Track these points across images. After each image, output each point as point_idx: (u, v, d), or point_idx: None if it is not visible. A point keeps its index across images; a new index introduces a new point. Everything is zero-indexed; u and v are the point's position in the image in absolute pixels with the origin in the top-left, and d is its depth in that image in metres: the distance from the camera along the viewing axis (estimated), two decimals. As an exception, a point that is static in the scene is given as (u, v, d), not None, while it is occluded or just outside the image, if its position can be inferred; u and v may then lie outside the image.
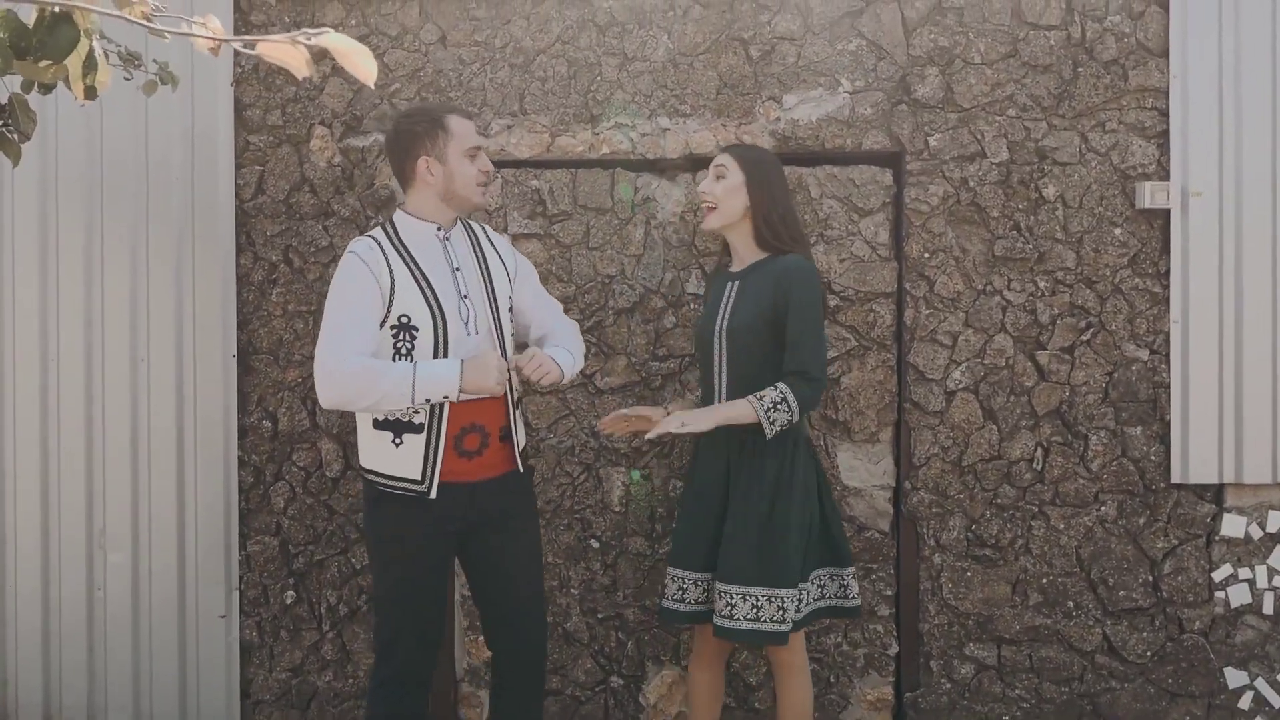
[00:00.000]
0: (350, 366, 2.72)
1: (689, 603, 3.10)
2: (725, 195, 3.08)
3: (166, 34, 2.36)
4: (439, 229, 2.91)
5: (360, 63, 1.43)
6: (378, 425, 2.86)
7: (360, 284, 2.79)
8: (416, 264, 2.85)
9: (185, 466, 3.67)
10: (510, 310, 3.00)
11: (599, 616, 3.66)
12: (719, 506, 3.08)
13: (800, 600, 3.03)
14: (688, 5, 3.59)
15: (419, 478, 2.83)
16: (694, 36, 3.59)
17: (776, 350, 3.04)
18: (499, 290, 2.96)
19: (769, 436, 2.96)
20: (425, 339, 2.80)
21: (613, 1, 3.61)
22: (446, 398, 2.73)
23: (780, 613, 2.98)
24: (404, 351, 2.80)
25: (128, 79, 3.13)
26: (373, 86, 1.59)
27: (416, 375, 2.71)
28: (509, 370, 2.83)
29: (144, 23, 2.32)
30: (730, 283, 3.13)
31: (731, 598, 2.98)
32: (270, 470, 3.70)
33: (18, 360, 3.65)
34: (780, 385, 2.97)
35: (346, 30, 3.64)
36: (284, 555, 3.71)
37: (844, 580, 3.17)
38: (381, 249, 2.84)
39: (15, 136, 2.50)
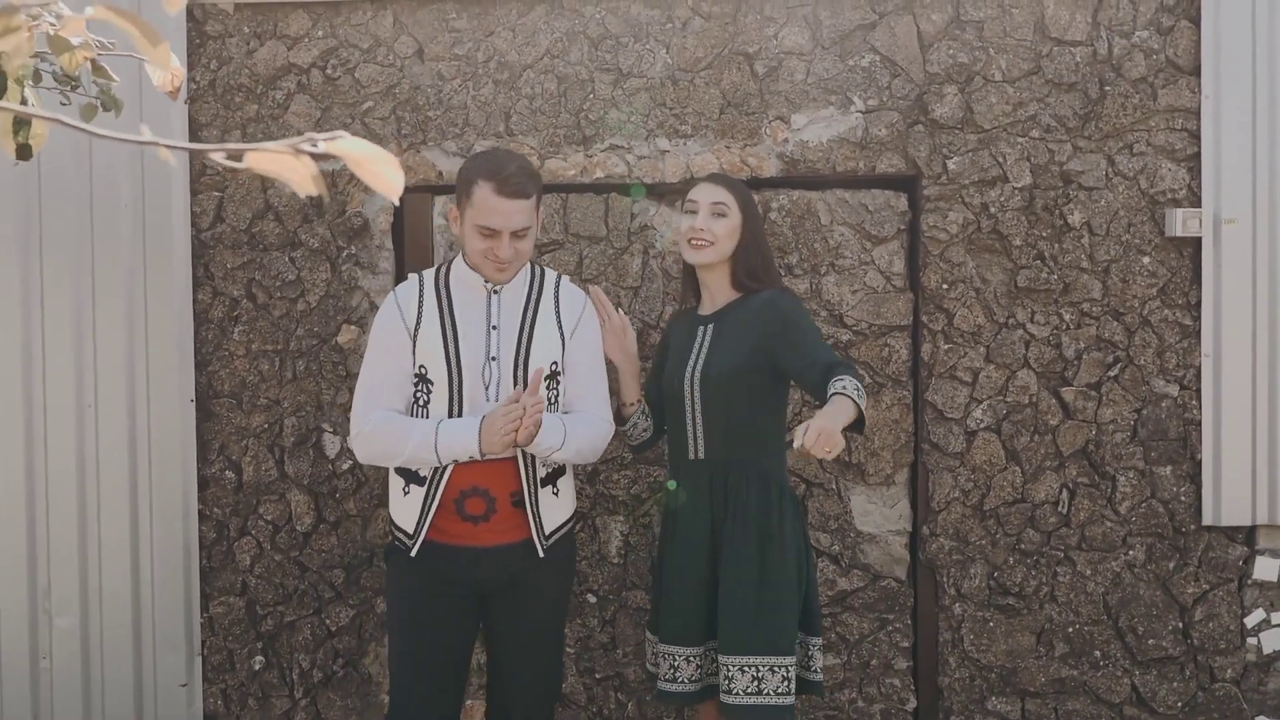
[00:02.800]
0: (376, 425, 2.65)
1: (682, 681, 2.80)
2: (725, 235, 2.82)
3: (115, 79, 2.04)
4: (487, 281, 2.67)
5: (382, 173, 1.14)
6: (397, 471, 2.74)
7: (391, 333, 2.70)
8: (452, 314, 2.68)
9: (139, 522, 3.35)
10: (551, 377, 2.70)
11: (596, 676, 3.40)
12: (706, 571, 2.79)
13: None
14: (687, 17, 3.32)
15: (410, 531, 2.69)
16: (695, 51, 3.32)
17: (765, 392, 2.80)
18: (537, 355, 2.68)
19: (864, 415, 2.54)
20: (440, 396, 2.66)
21: (605, 13, 3.33)
22: (472, 457, 2.60)
23: (785, 684, 2.72)
24: (422, 403, 2.69)
25: (64, 104, 2.79)
26: (397, 202, 1.29)
27: (439, 435, 2.60)
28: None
29: (53, 67, 2.00)
30: (702, 326, 2.86)
31: (729, 669, 2.72)
32: (234, 524, 3.39)
33: (-52, 409, 3.30)
34: (840, 377, 2.55)
35: (313, 42, 3.32)
36: (251, 617, 3.40)
37: (809, 650, 2.86)
38: (421, 289, 2.72)
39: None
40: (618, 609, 3.38)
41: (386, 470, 2.81)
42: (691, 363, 2.83)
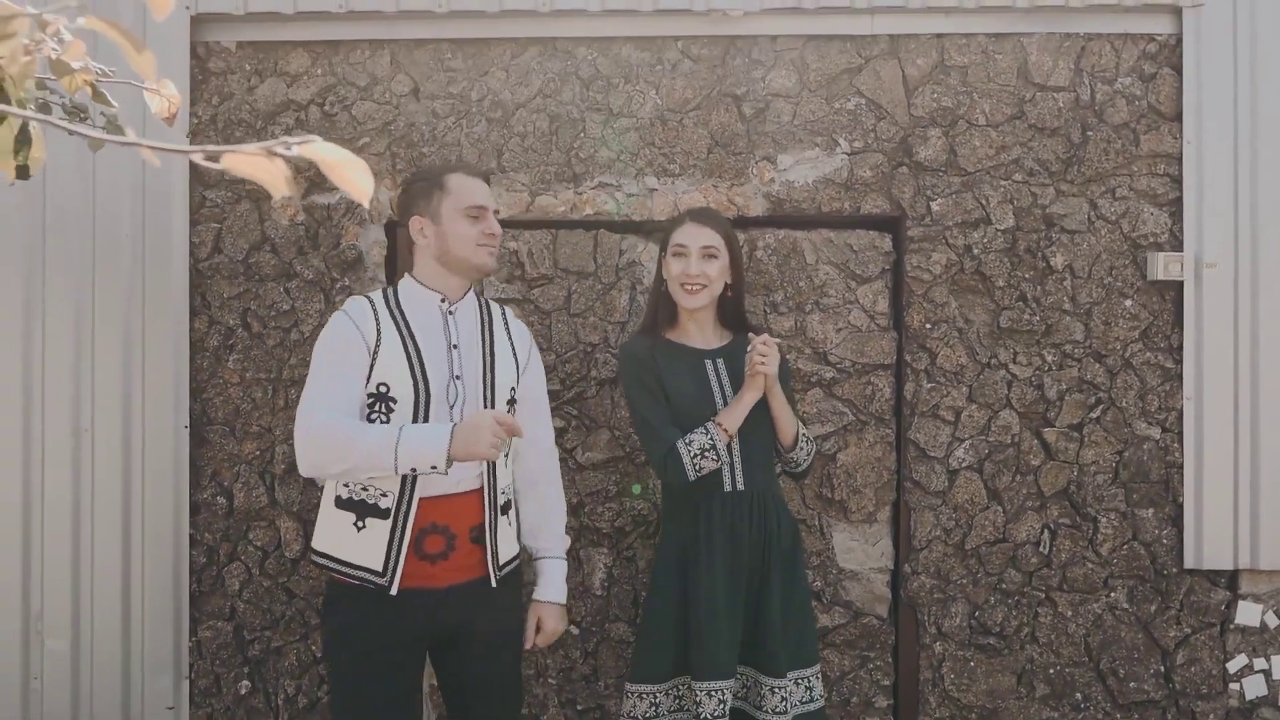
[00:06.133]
0: (326, 423, 2.44)
1: (663, 714, 2.85)
2: (717, 276, 2.88)
3: (114, 104, 2.11)
4: (443, 300, 2.65)
5: (352, 176, 1.18)
6: (340, 504, 2.57)
7: (344, 340, 2.55)
8: (410, 332, 2.59)
9: (131, 545, 3.40)
10: (510, 403, 2.69)
11: (578, 708, 3.41)
12: (741, 601, 2.82)
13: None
14: (677, 59, 3.39)
15: (380, 569, 2.53)
16: (683, 92, 3.39)
17: (770, 421, 2.89)
18: (500, 379, 2.66)
19: (801, 465, 2.96)
20: (403, 413, 2.52)
21: (597, 54, 3.40)
22: (435, 468, 2.40)
23: (820, 687, 2.88)
24: (380, 423, 2.52)
25: (72, 134, 2.88)
26: (367, 205, 1.35)
27: (401, 438, 2.40)
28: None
29: (57, 96, 2.07)
30: (709, 361, 2.91)
31: (785, 689, 2.81)
32: (224, 550, 3.43)
33: (-51, 431, 3.37)
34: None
35: (312, 80, 3.41)
36: (238, 642, 3.44)
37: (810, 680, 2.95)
38: (374, 309, 2.61)
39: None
40: (600, 641, 3.40)
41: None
42: (719, 396, 2.87)
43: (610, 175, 3.39)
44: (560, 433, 3.37)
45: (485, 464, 2.60)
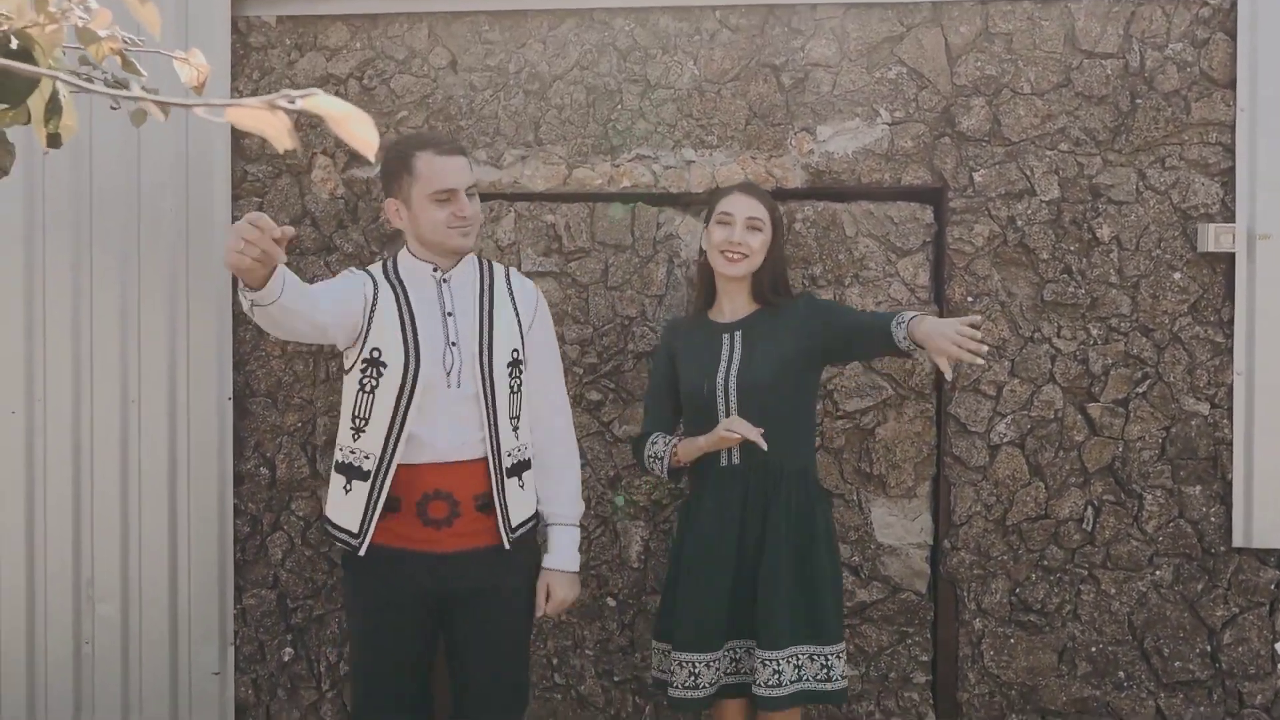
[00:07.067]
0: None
1: (703, 687, 2.82)
2: (759, 249, 2.86)
3: (143, 73, 2.13)
4: (434, 269, 2.69)
5: (356, 130, 1.18)
6: (338, 468, 2.70)
7: (348, 282, 2.67)
8: (408, 300, 2.66)
9: (178, 515, 3.47)
10: (514, 365, 2.70)
11: (615, 679, 3.43)
12: (731, 576, 2.82)
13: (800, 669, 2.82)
14: (715, 29, 3.35)
15: (354, 531, 2.64)
16: (722, 63, 3.35)
17: (805, 392, 2.89)
18: (499, 342, 2.68)
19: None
20: (391, 379, 2.59)
21: (634, 25, 3.37)
22: (250, 300, 2.37)
23: (840, 667, 2.82)
24: (369, 389, 2.61)
25: (114, 108, 2.92)
26: (373, 159, 1.35)
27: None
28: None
29: (100, 71, 2.09)
30: (726, 334, 2.90)
31: (777, 663, 2.76)
32: (267, 520, 3.49)
33: (2, 402, 3.45)
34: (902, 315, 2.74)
35: (351, 54, 3.42)
36: (281, 610, 3.50)
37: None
38: (373, 277, 2.69)
39: (-8, 172, 2.28)
40: (636, 613, 3.41)
41: None
42: (723, 369, 2.86)
43: (648, 147, 3.37)
44: (597, 406, 3.37)
45: (488, 430, 2.63)
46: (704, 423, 2.86)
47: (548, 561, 2.78)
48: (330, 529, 2.73)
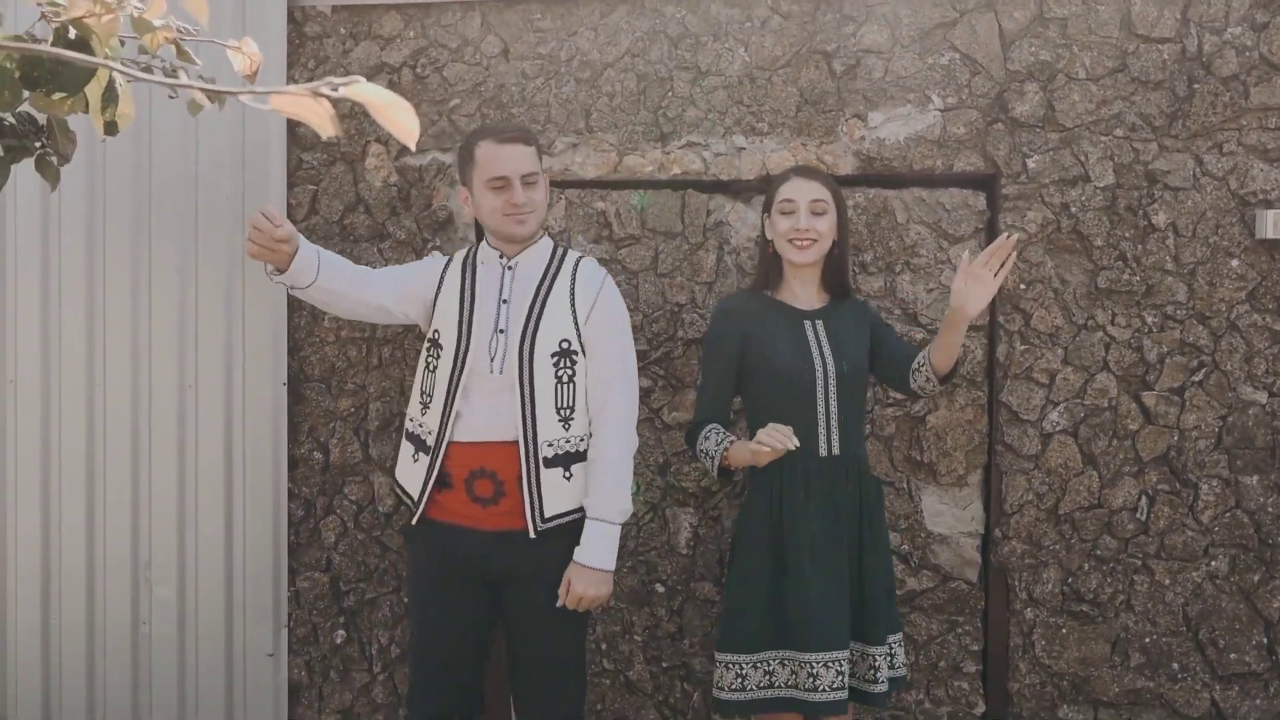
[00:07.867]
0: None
1: (750, 689, 2.78)
2: (826, 232, 2.85)
3: (197, 62, 2.17)
4: (501, 255, 2.78)
5: (398, 118, 1.19)
6: (407, 437, 2.86)
7: (424, 265, 2.88)
8: (472, 287, 2.77)
9: (234, 498, 3.52)
10: (563, 355, 2.69)
11: (663, 665, 3.44)
12: (846, 566, 2.78)
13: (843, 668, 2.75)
14: (766, 16, 3.35)
15: (416, 496, 2.77)
16: (773, 49, 3.35)
17: (862, 387, 2.92)
18: (546, 331, 2.68)
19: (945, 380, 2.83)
20: (446, 361, 2.74)
21: (686, 12, 3.38)
22: (291, 286, 2.70)
23: (873, 671, 2.80)
24: (431, 368, 2.77)
25: (172, 97, 2.97)
26: (413, 148, 1.37)
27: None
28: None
29: (159, 60, 2.13)
30: (809, 322, 2.87)
31: (877, 659, 2.79)
32: (321, 503, 3.53)
33: (64, 386, 3.52)
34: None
35: (405, 42, 3.45)
36: (334, 593, 3.54)
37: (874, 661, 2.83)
38: (450, 261, 2.86)
39: (54, 159, 2.33)
40: (685, 599, 3.42)
41: None
42: (819, 356, 2.81)
43: (698, 134, 3.37)
44: (647, 392, 3.38)
45: (524, 414, 2.65)
46: (794, 406, 2.78)
47: (575, 554, 2.69)
48: (399, 491, 2.87)
